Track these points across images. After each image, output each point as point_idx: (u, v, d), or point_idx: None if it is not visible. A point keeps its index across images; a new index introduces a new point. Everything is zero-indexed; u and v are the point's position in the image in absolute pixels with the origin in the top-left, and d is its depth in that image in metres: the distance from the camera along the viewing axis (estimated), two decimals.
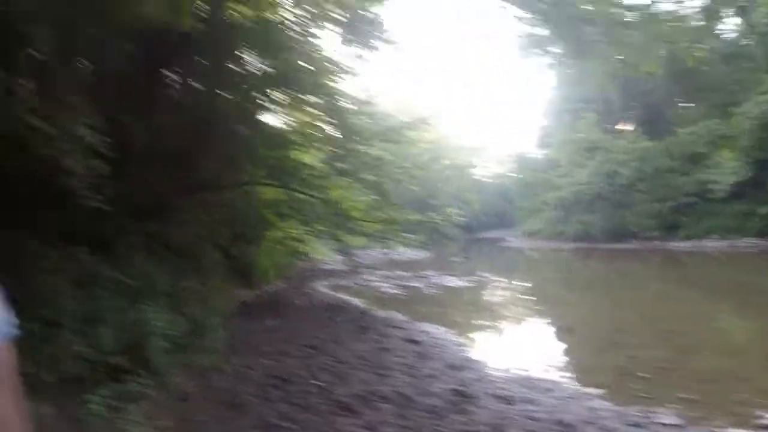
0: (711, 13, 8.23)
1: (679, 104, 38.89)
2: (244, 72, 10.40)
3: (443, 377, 6.56)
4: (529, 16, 7.83)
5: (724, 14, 11.96)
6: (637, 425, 5.10)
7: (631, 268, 25.31)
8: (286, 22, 10.40)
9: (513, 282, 19.32)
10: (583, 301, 15.63)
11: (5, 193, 5.13)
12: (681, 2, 7.44)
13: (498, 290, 17.59)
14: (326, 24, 10.28)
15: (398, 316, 11.04)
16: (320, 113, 11.58)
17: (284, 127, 12.51)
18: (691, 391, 6.16)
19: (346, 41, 10.00)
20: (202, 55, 9.44)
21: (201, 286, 8.62)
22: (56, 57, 5.42)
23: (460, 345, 8.76)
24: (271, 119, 12.54)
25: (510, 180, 53.67)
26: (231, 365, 6.53)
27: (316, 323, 9.87)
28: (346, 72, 11.10)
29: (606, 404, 5.76)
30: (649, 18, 7.28)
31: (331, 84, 11.16)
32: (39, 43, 5.03)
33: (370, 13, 9.87)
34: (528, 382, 6.58)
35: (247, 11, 9.59)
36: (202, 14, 8.17)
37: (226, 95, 10.17)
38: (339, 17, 9.96)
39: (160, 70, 8.93)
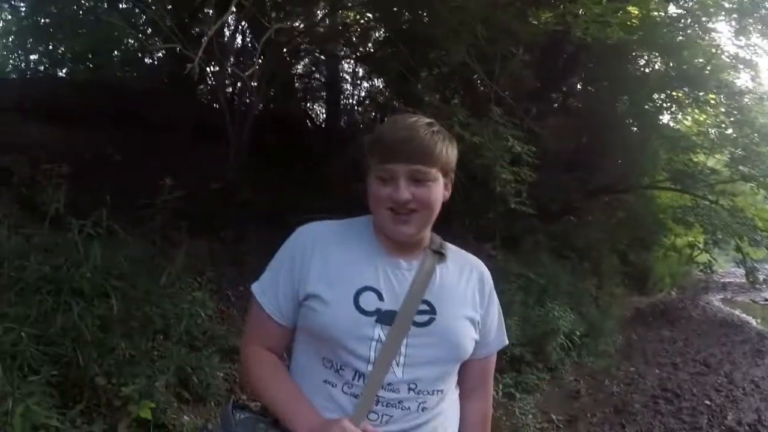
0: None
1: None
2: (639, 74, 10.18)
3: None
4: None
5: None
6: None
7: None
8: (674, 16, 9.56)
9: None
10: None
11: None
12: None
13: None
14: (719, 15, 9.01)
15: None
16: (721, 112, 10.33)
17: (684, 128, 11.58)
18: None
19: (742, 32, 8.59)
20: (597, 59, 9.48)
21: (598, 288, 8.68)
22: (461, 72, 6.15)
23: None
24: (671, 120, 11.76)
25: None
26: (622, 371, 6.50)
27: (711, 339, 8.96)
28: (747, 66, 9.57)
29: None
30: None
31: (732, 80, 9.88)
32: (452, 59, 5.77)
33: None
34: None
35: (634, 10, 9.21)
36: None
37: (624, 98, 10.09)
38: (731, 6, 8.59)
39: (561, 78, 9.33)
